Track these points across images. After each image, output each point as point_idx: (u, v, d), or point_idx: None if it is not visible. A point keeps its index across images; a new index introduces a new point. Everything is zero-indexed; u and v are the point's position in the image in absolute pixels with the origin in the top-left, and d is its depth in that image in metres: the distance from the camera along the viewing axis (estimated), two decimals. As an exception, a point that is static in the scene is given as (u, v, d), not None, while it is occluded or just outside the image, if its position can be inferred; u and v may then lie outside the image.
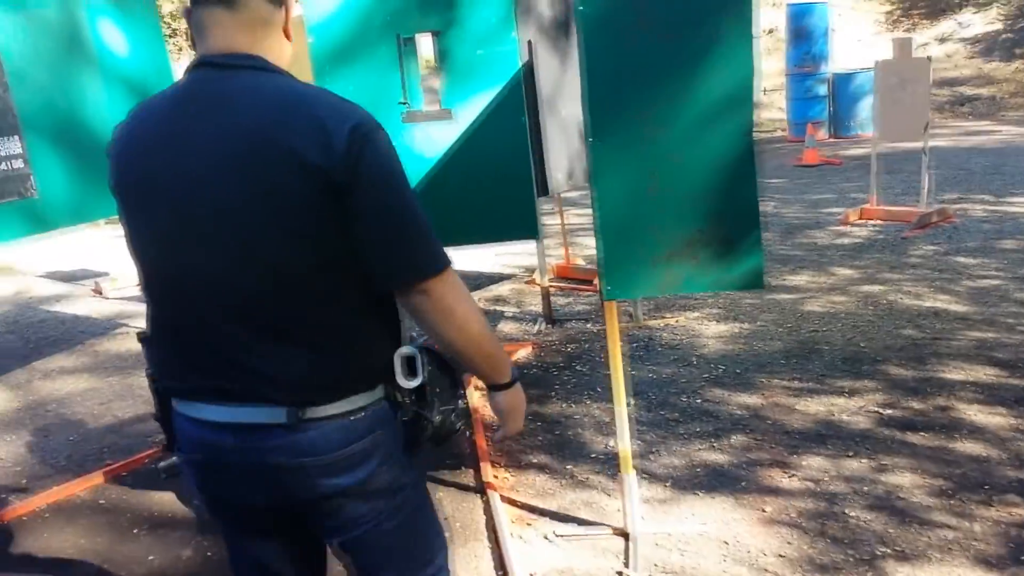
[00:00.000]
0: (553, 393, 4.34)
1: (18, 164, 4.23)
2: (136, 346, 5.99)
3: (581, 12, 2.58)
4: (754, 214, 2.63)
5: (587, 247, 7.50)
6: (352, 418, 1.50)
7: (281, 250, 1.40)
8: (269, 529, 1.66)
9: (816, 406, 3.90)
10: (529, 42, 5.10)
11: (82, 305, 7.41)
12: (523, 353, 4.95)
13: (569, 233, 6.95)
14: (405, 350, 1.56)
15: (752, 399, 4.03)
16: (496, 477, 3.53)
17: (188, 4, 1.51)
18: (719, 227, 2.63)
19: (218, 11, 1.47)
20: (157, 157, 1.45)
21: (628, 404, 4.08)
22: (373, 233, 1.41)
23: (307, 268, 1.42)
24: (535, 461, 3.66)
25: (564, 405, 4.19)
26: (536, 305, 5.95)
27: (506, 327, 5.58)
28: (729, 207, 2.61)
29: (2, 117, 4.16)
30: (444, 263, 1.47)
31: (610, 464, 3.53)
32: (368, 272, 1.44)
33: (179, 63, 15.74)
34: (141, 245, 1.54)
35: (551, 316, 5.51)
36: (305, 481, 1.50)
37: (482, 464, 3.61)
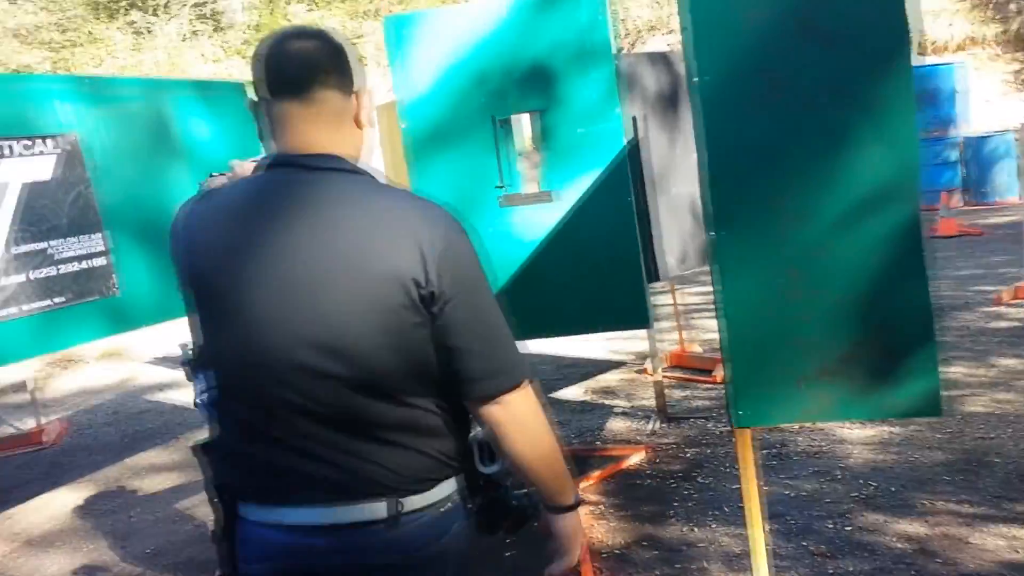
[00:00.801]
0: (672, 512, 3.77)
1: (100, 261, 4.06)
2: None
3: (699, 84, 2.14)
4: (927, 321, 2.10)
5: (705, 330, 6.92)
6: (442, 509, 1.48)
7: (372, 355, 1.38)
8: None
9: (994, 539, 3.21)
10: (634, 118, 4.69)
11: (185, 395, 7.29)
12: (636, 459, 4.41)
13: (684, 315, 6.40)
14: (480, 435, 1.53)
15: (915, 527, 3.37)
16: (606, 623, 3.00)
17: (262, 96, 1.48)
18: (882, 339, 2.10)
19: (293, 105, 1.44)
20: (242, 254, 1.42)
21: (763, 531, 3.50)
22: (459, 342, 1.40)
23: (394, 371, 1.40)
24: (653, 603, 3.12)
25: (685, 528, 3.62)
26: (649, 399, 5.40)
27: (615, 425, 5.05)
28: (895, 314, 2.09)
29: (84, 214, 4.01)
30: (524, 375, 1.45)
31: (743, 611, 2.96)
32: (451, 380, 1.43)
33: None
34: (217, 346, 1.50)
35: (666, 412, 4.96)
36: None
37: (590, 605, 3.09)
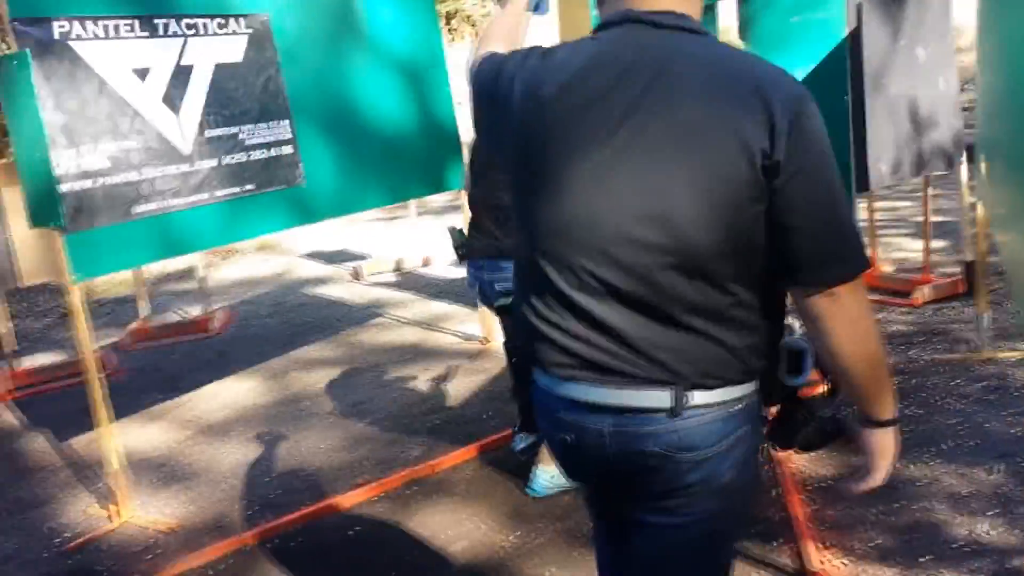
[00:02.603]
0: (883, 446, 3.44)
1: (288, 150, 3.96)
2: (390, 340, 5.78)
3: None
4: None
5: (898, 248, 6.39)
6: (731, 410, 1.41)
7: (700, 229, 1.30)
8: (617, 519, 1.60)
9: None
10: (859, 6, 4.16)
11: (340, 289, 7.35)
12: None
13: (877, 231, 5.89)
14: (795, 343, 1.43)
15: None
16: (823, 564, 2.75)
17: None
18: None
19: None
20: (575, 113, 1.37)
21: (991, 473, 3.14)
22: (798, 221, 1.29)
23: (719, 250, 1.32)
24: (877, 545, 2.83)
25: (900, 464, 3.27)
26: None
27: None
28: None
29: (273, 99, 3.89)
30: (864, 266, 1.33)
31: (984, 559, 2.64)
32: (781, 264, 1.33)
33: (452, 47, 15.89)
34: (528, 201, 1.46)
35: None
36: (675, 473, 1.41)
37: (803, 543, 2.83)
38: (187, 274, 8.19)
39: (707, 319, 1.36)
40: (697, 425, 1.39)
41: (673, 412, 1.38)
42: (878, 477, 1.46)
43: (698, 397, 1.38)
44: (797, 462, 3.37)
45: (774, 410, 1.50)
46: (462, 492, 3.45)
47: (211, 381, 5.23)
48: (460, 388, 4.63)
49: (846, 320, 1.33)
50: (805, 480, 3.24)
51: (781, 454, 3.38)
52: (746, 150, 1.26)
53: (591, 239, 1.37)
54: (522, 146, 1.45)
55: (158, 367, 5.66)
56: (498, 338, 5.30)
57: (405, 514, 3.33)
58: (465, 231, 3.46)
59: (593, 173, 1.36)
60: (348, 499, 3.45)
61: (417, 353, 5.35)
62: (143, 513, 3.58)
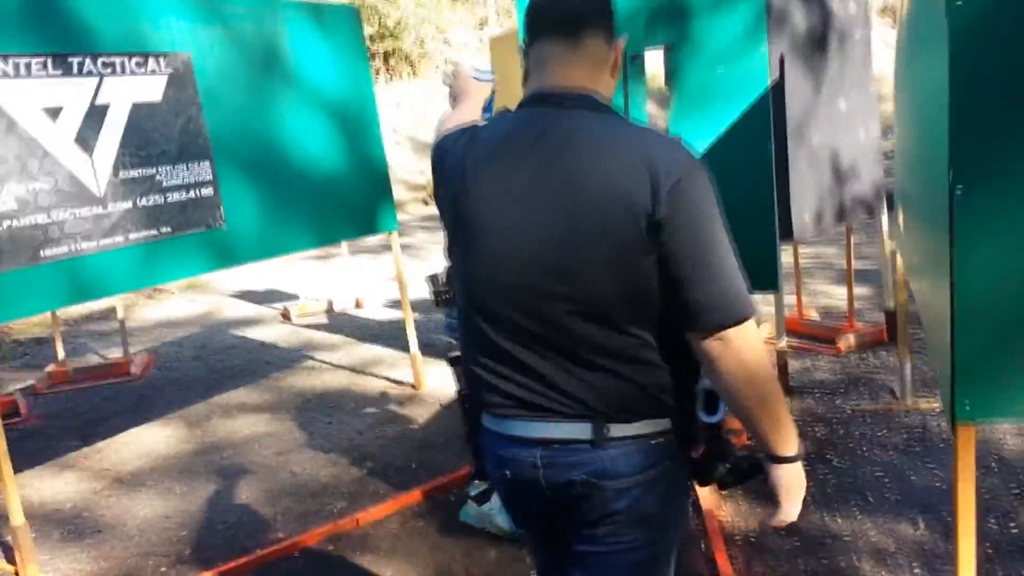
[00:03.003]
0: (809, 497, 3.43)
1: (207, 192, 3.84)
2: (318, 385, 5.64)
3: (956, 8, 1.76)
4: None
5: (823, 295, 6.49)
6: (652, 443, 1.54)
7: (596, 280, 1.46)
8: (549, 544, 1.74)
9: None
10: (782, 57, 4.26)
11: (270, 331, 7.18)
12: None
13: (803, 278, 5.98)
14: (707, 384, 1.54)
15: (1096, 535, 2.99)
16: (750, 619, 2.71)
17: (527, 40, 1.61)
18: None
19: (563, 49, 1.55)
20: (494, 185, 1.54)
21: (916, 527, 3.15)
22: (687, 272, 1.43)
23: (619, 301, 1.47)
24: (801, 600, 2.81)
25: (826, 516, 3.29)
26: (764, 368, 5.05)
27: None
28: None
29: (193, 140, 3.78)
30: (748, 313, 1.44)
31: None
32: (674, 311, 1.46)
33: (389, 86, 15.82)
34: (463, 266, 1.63)
35: (787, 386, 4.60)
36: (602, 501, 1.54)
37: (729, 597, 2.80)
38: (108, 314, 7.92)
39: (616, 359, 1.50)
40: (618, 455, 1.52)
41: (594, 443, 1.52)
42: (788, 512, 1.55)
43: (616, 430, 1.52)
44: (724, 515, 3.35)
45: (699, 451, 1.60)
46: (386, 548, 3.33)
47: (129, 427, 5.02)
48: (388, 436, 4.52)
49: (735, 362, 1.43)
50: (732, 534, 3.21)
51: (708, 506, 3.35)
52: (633, 212, 1.41)
53: (510, 292, 1.53)
54: (454, 211, 1.61)
55: (74, 412, 5.42)
56: (428, 384, 5.22)
57: (325, 572, 3.21)
58: (442, 279, 3.39)
59: (508, 234, 1.52)
60: (264, 556, 3.31)
61: (346, 399, 5.22)
62: (50, 569, 3.38)
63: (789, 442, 1.50)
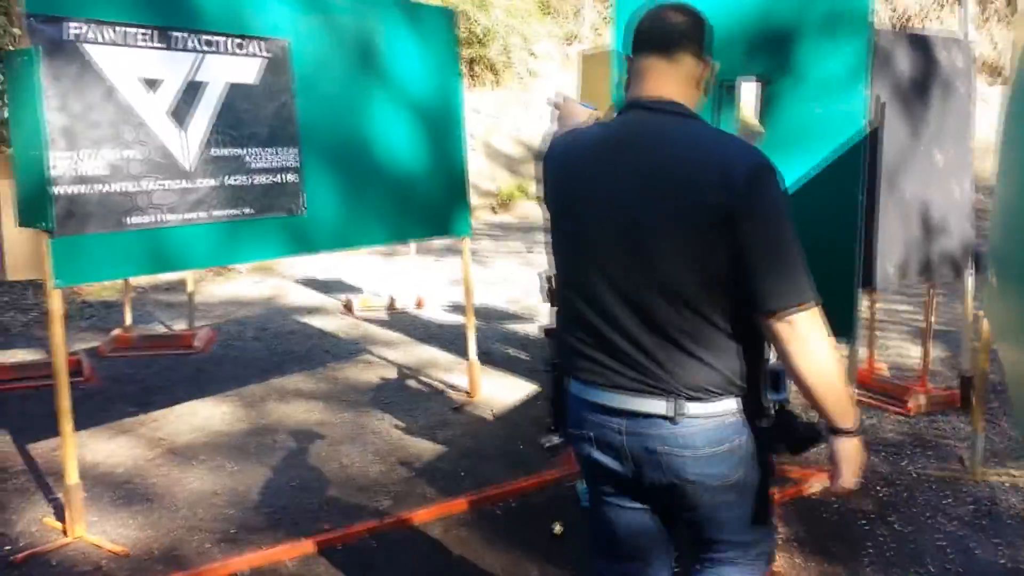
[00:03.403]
0: (866, 557, 3.32)
1: (292, 178, 3.88)
2: (373, 380, 5.66)
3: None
4: None
5: (896, 351, 6.30)
6: (726, 421, 1.75)
7: (677, 268, 1.68)
8: (630, 498, 1.93)
9: None
10: (882, 103, 4.14)
11: (331, 321, 7.24)
12: (818, 485, 3.95)
13: (876, 330, 5.81)
14: (773, 366, 1.76)
15: None
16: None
17: (630, 53, 1.85)
18: None
19: (660, 63, 1.80)
20: (591, 176, 1.79)
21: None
22: (756, 260, 1.63)
23: (695, 286, 1.68)
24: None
25: (883, 579, 3.16)
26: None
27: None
28: None
29: (284, 125, 3.83)
30: (812, 299, 1.64)
31: None
32: (745, 296, 1.66)
33: (471, 93, 15.92)
34: (562, 247, 1.90)
35: (851, 438, 4.44)
36: (677, 467, 1.76)
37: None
38: (176, 286, 8.08)
39: (693, 342, 1.71)
40: (694, 432, 1.74)
41: (672, 420, 1.74)
42: (847, 479, 1.76)
43: (692, 408, 1.74)
44: (782, 567, 3.24)
45: (765, 423, 1.82)
46: (428, 553, 3.31)
47: (186, 400, 5.09)
48: (438, 440, 4.50)
49: (800, 343, 1.65)
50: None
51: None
52: (707, 205, 1.64)
53: (601, 270, 1.77)
54: (558, 202, 1.90)
55: (134, 378, 5.53)
56: (482, 393, 5.20)
57: (366, 568, 3.19)
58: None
59: (601, 218, 1.77)
60: (308, 545, 3.30)
61: (399, 397, 5.23)
62: (97, 532, 3.43)
63: (847, 417, 1.71)
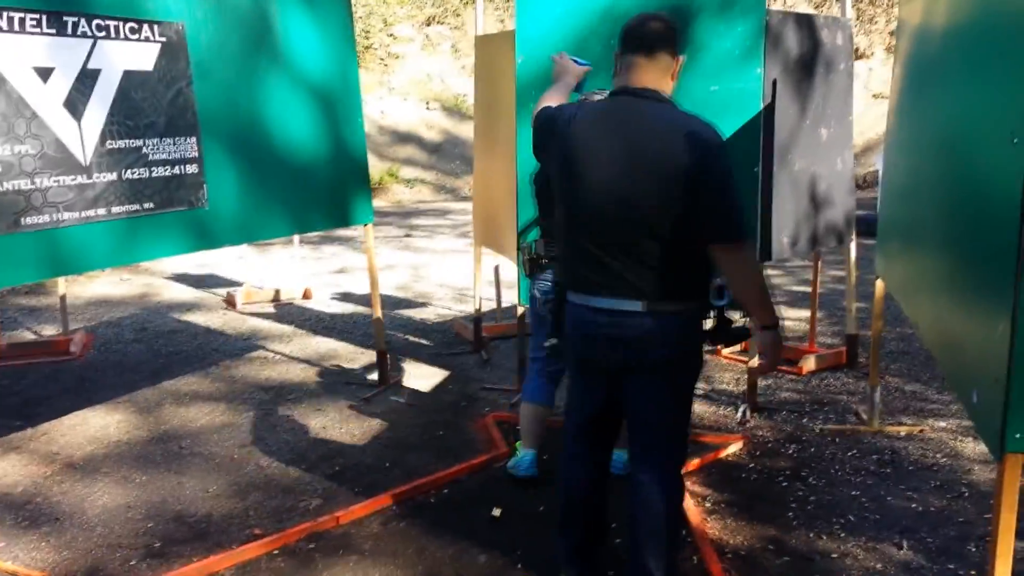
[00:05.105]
0: (791, 515, 3.49)
1: (192, 169, 3.68)
2: (273, 376, 5.45)
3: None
4: None
5: (787, 316, 6.61)
6: (682, 317, 2.46)
7: (652, 212, 2.37)
8: (605, 380, 2.61)
9: None
10: (774, 81, 4.32)
11: (214, 317, 6.92)
12: (734, 448, 4.12)
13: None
14: (718, 281, 2.48)
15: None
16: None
17: (619, 50, 2.51)
18: None
19: (643, 60, 2.45)
20: (591, 142, 2.45)
21: (900, 548, 3.22)
22: (710, 206, 2.35)
23: (666, 224, 2.36)
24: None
25: (811, 535, 3.34)
26: (728, 383, 5.12)
27: (697, 407, 4.73)
28: None
29: (182, 114, 3.62)
30: (744, 236, 2.40)
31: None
32: (701, 231, 2.37)
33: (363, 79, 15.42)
34: (564, 197, 2.54)
35: (755, 403, 4.67)
36: (646, 347, 2.45)
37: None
38: (36, 289, 7.52)
39: (662, 262, 2.39)
40: (658, 323, 2.42)
41: (643, 314, 2.41)
42: (771, 363, 2.58)
43: (658, 307, 2.41)
44: (712, 529, 3.36)
45: (710, 323, 2.54)
46: (370, 549, 3.23)
47: (73, 410, 4.75)
48: (355, 434, 4.40)
49: (737, 264, 2.41)
50: (722, 548, 3.22)
51: (697, 521, 3.36)
52: (677, 166, 2.32)
53: (596, 211, 2.44)
54: (564, 157, 2.51)
55: (11, 390, 5.11)
56: (392, 382, 5.11)
57: (308, 572, 3.09)
58: (537, 248, 3.50)
59: (597, 175, 2.43)
60: (244, 552, 3.16)
61: (305, 392, 5.07)
62: (7, 557, 3.17)
63: (772, 315, 2.46)
